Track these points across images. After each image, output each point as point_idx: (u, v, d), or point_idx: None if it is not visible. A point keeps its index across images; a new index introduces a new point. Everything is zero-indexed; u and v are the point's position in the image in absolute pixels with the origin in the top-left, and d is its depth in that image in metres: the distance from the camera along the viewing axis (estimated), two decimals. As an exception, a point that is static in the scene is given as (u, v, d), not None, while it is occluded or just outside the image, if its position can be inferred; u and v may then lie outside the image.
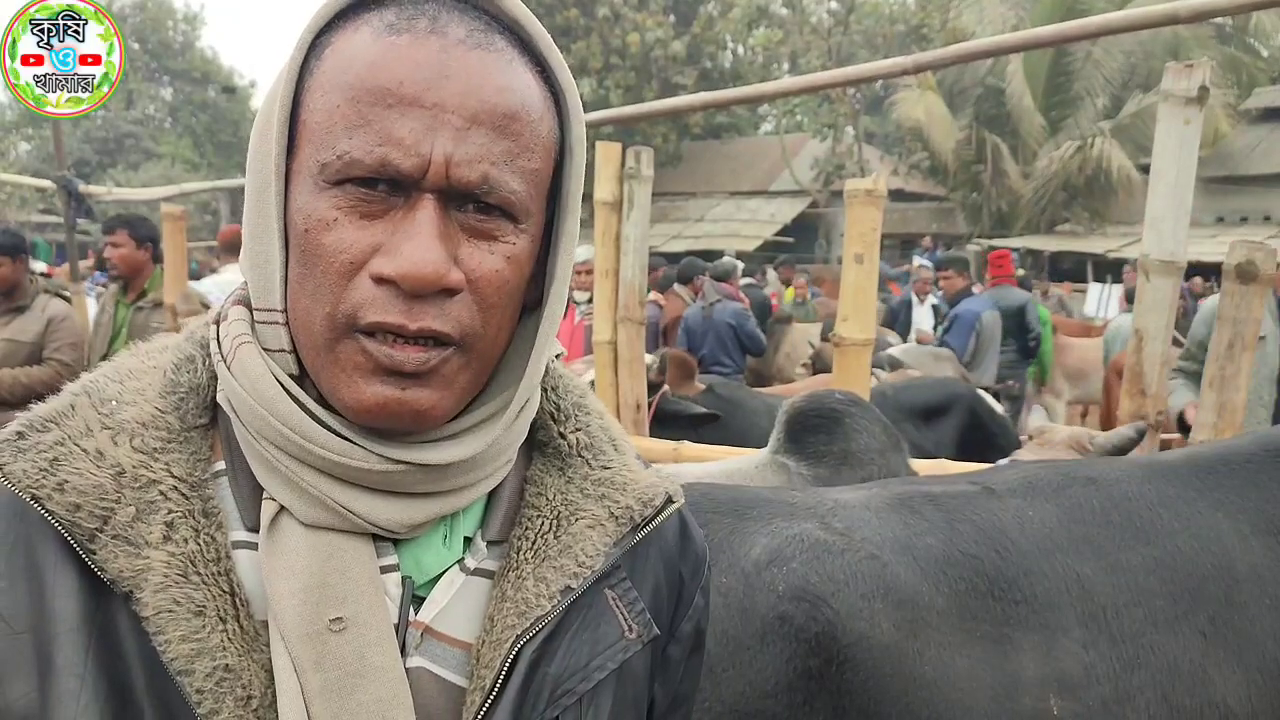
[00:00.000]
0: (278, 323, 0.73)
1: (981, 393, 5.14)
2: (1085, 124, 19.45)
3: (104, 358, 4.73)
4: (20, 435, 0.72)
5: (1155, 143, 2.90)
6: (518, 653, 0.74)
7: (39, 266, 12.33)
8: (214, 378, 0.77)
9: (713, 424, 4.29)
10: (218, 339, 0.76)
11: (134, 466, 0.71)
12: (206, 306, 4.45)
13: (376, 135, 0.67)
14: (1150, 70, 19.11)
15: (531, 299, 0.78)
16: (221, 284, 5.79)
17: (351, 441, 0.71)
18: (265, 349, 0.74)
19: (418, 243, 0.67)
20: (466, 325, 0.70)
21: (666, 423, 4.15)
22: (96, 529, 0.69)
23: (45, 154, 30.39)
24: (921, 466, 2.77)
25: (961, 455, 3.88)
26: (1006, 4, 20.24)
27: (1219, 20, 17.58)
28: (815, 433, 2.48)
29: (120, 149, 36.09)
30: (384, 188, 0.68)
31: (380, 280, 0.68)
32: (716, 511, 1.68)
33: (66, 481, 0.69)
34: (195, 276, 8.21)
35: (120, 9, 39.21)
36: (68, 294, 5.02)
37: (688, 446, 3.45)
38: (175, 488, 0.71)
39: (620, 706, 0.79)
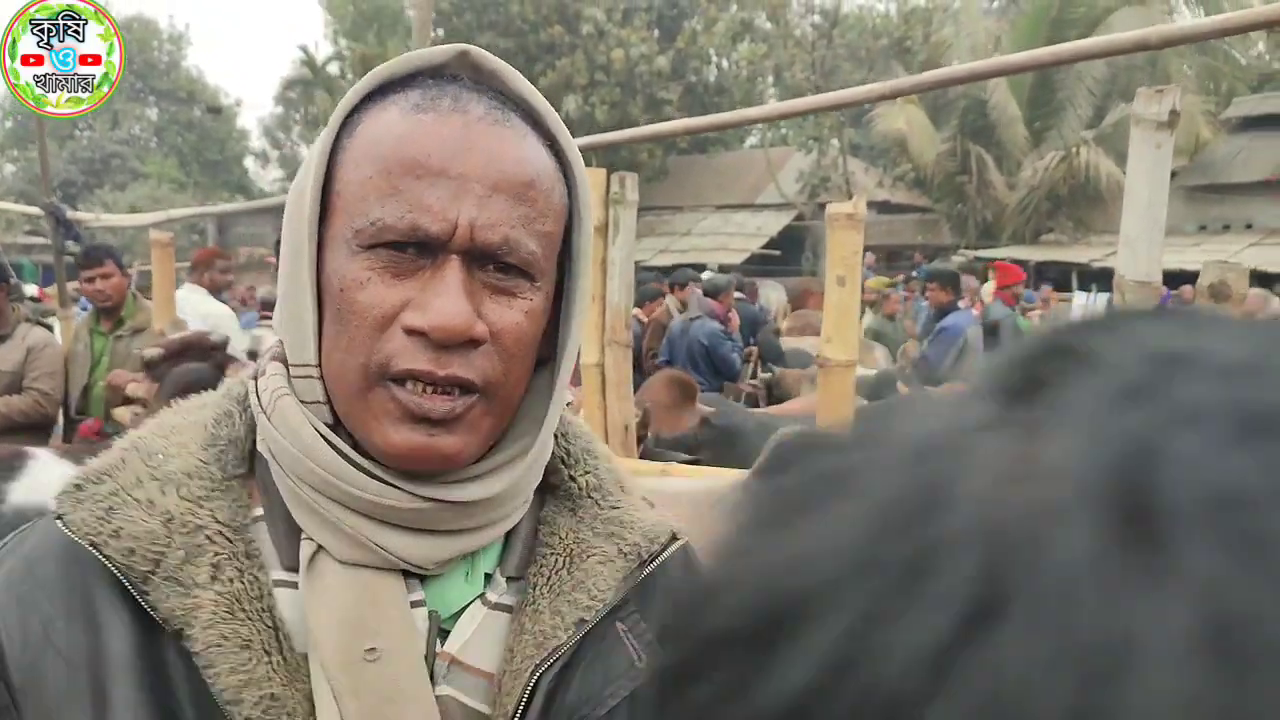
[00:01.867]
0: (312, 377, 0.80)
1: None
2: (1069, 134, 19.62)
3: (86, 387, 4.75)
4: (78, 487, 0.79)
5: (1129, 165, 2.96)
6: (536, 682, 0.80)
7: (30, 289, 12.31)
8: (251, 430, 0.83)
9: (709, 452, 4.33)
10: (257, 393, 0.83)
11: (181, 513, 0.78)
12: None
13: (407, 203, 0.74)
14: (1130, 80, 19.30)
15: (545, 352, 0.85)
16: (176, 303, 5.75)
17: (385, 482, 0.77)
18: (301, 401, 0.80)
19: (447, 299, 0.74)
20: (489, 374, 0.77)
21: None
22: (149, 571, 0.75)
23: (31, 175, 30.32)
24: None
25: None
26: (989, 18, 20.42)
27: (1197, 31, 17.73)
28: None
29: (106, 169, 36.04)
30: (413, 251, 0.75)
31: (411, 332, 0.75)
32: None
33: (121, 529, 0.76)
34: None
35: (105, 29, 39.18)
36: (49, 322, 5.01)
37: (675, 469, 3.49)
38: (220, 532, 0.78)
39: None
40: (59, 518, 0.78)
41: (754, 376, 7.91)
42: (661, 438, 4.61)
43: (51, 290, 9.26)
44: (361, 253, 0.76)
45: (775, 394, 7.37)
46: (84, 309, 7.49)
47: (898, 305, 9.37)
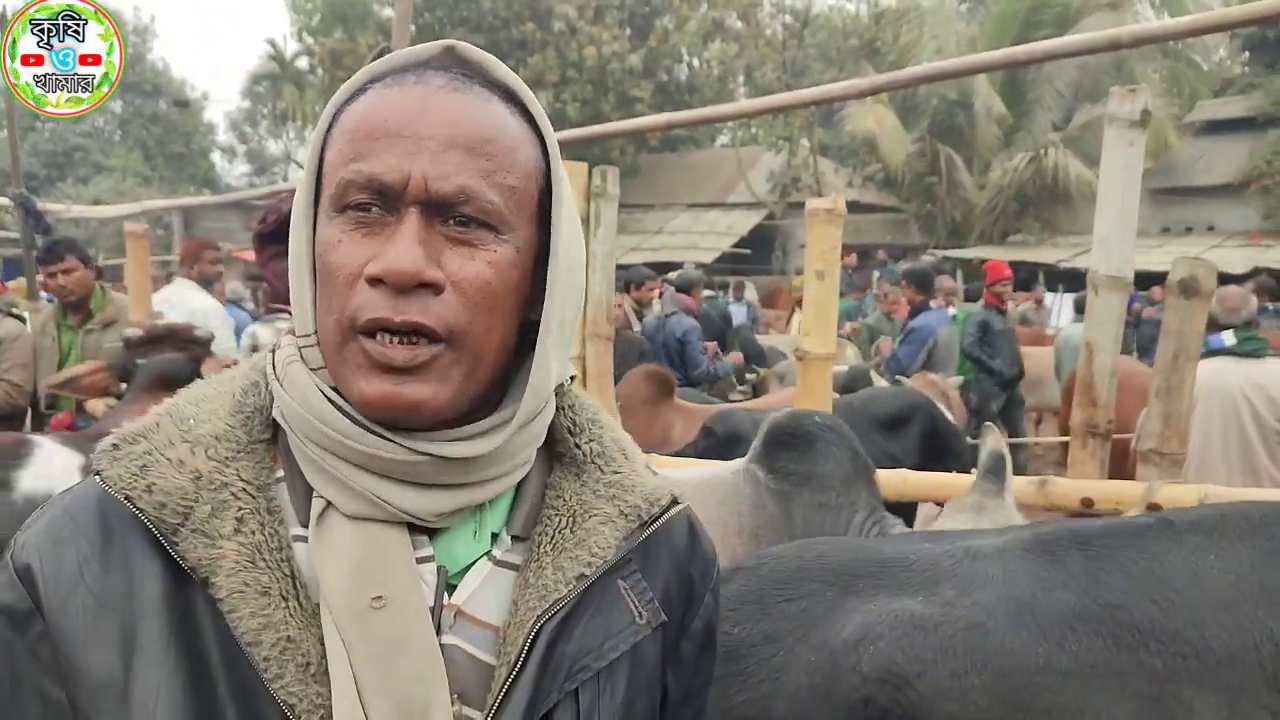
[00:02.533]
0: (312, 345, 0.86)
1: (934, 402, 5.27)
2: (1039, 135, 19.84)
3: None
4: (115, 447, 0.85)
5: (1102, 164, 3.03)
6: (538, 632, 0.85)
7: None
8: (274, 399, 0.89)
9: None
10: (274, 364, 0.90)
11: (209, 472, 0.83)
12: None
13: (366, 161, 0.80)
14: (1097, 83, 19.55)
15: (539, 316, 0.88)
16: (167, 299, 5.70)
17: (382, 436, 0.82)
18: (309, 369, 0.87)
19: (399, 244, 0.79)
20: (451, 322, 0.80)
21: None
22: (179, 524, 0.81)
23: (-7, 168, 29.88)
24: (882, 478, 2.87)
25: (923, 463, 3.98)
26: (960, 20, 20.61)
27: (1162, 35, 17.98)
28: (788, 449, 2.59)
29: (70, 162, 35.54)
30: (377, 209, 0.80)
31: (372, 281, 0.79)
32: (823, 580, 1.63)
33: (154, 484, 0.82)
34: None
35: (69, 21, 38.60)
36: (21, 313, 4.96)
37: (657, 459, 3.53)
38: (244, 489, 0.84)
39: (634, 687, 0.90)
40: (97, 473, 0.83)
41: (741, 383, 7.95)
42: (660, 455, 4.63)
43: (13, 284, 9.15)
44: (336, 217, 0.82)
45: (760, 396, 7.43)
46: (49, 301, 7.42)
47: (897, 303, 9.34)
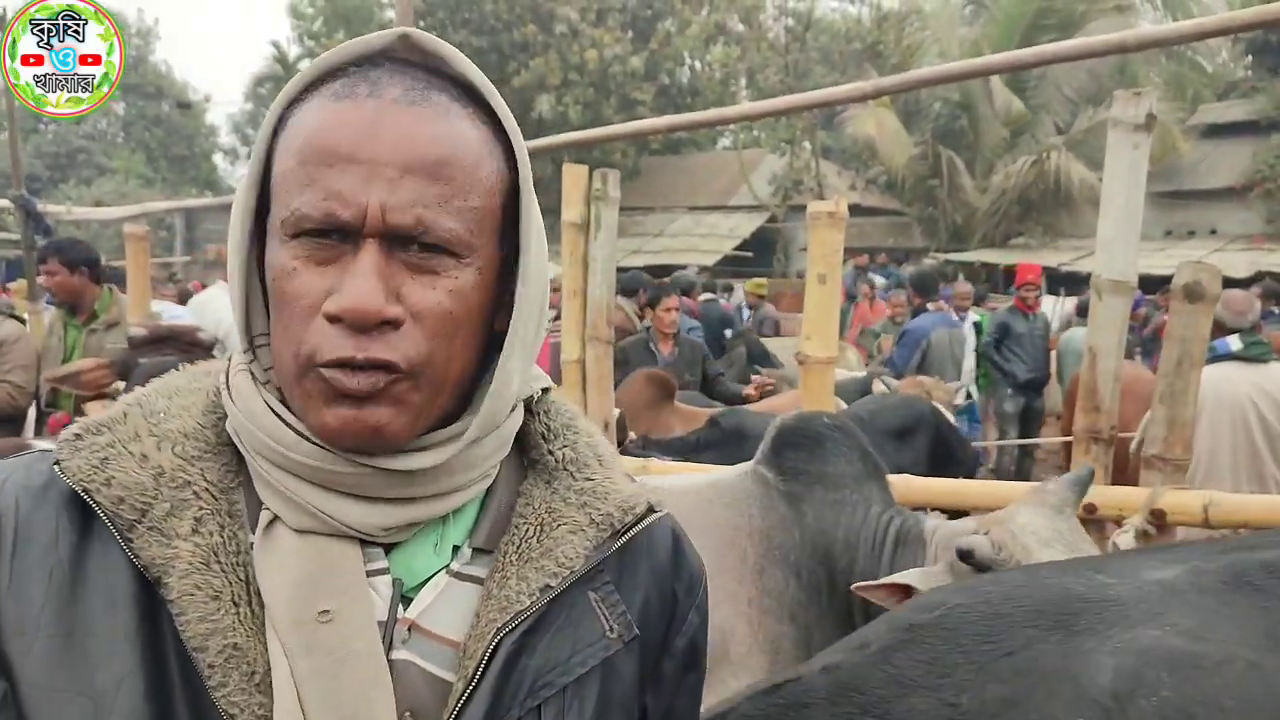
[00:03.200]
0: (249, 361, 0.85)
1: (939, 408, 5.25)
2: (1042, 139, 19.83)
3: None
4: (78, 436, 0.83)
5: (1105, 167, 3.00)
6: (497, 645, 0.81)
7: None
8: None
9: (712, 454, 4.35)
10: (227, 374, 0.87)
11: (173, 469, 0.82)
12: None
13: (321, 191, 0.76)
14: (1100, 87, 19.52)
15: (503, 326, 0.85)
16: (204, 302, 5.71)
17: (323, 448, 0.80)
18: (254, 380, 0.85)
19: (358, 281, 0.76)
20: (412, 356, 0.78)
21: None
22: (135, 520, 0.79)
23: (-5, 169, 29.90)
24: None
25: (930, 472, 3.96)
26: (963, 24, 20.59)
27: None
28: (797, 450, 2.55)
29: (72, 164, 35.53)
30: (335, 237, 0.77)
31: (331, 318, 0.76)
32: (1034, 624, 1.38)
33: (113, 478, 0.80)
34: (184, 299, 8.12)
35: (72, 23, 38.63)
36: (21, 315, 4.96)
37: (654, 463, 3.51)
38: (207, 490, 0.82)
39: (606, 704, 0.85)
40: (57, 463, 0.82)
41: (744, 375, 7.94)
42: (652, 439, 4.61)
43: (15, 285, 9.14)
44: (289, 242, 0.78)
45: (765, 394, 7.43)
46: (49, 304, 7.42)
47: (903, 308, 9.31)
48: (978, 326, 8.73)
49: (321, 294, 0.77)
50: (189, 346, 3.95)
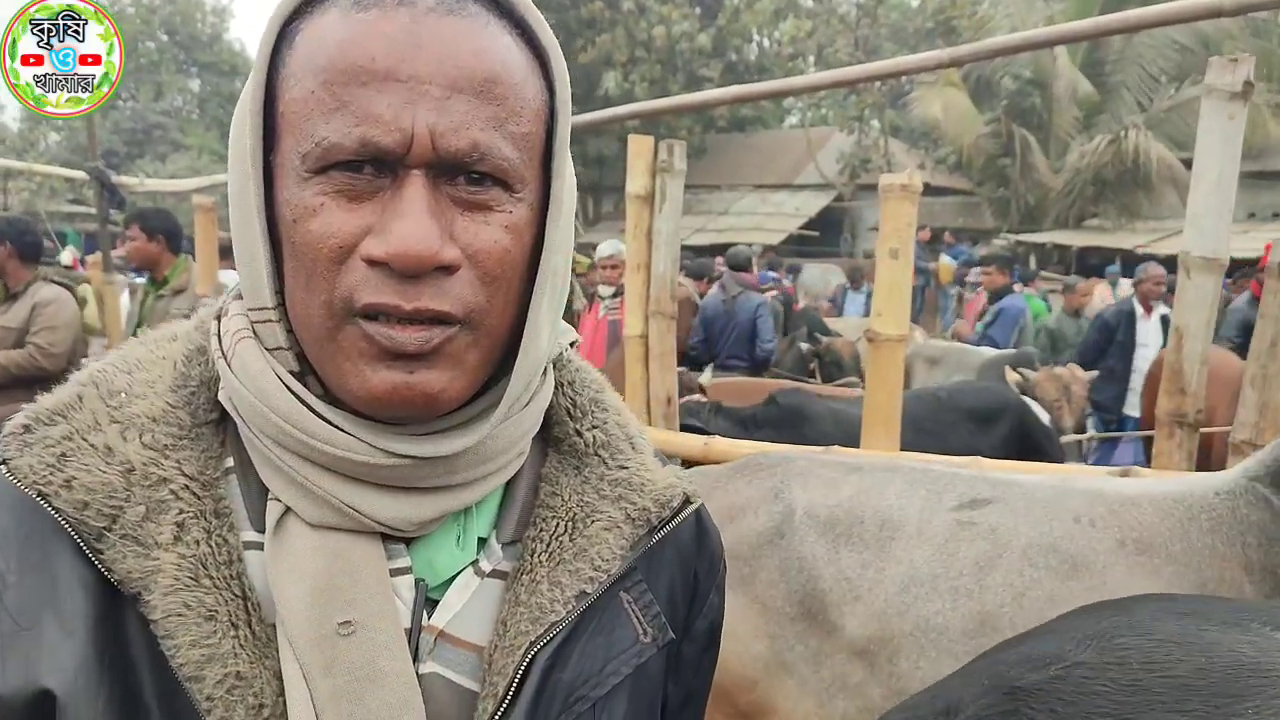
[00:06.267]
0: (271, 320, 0.71)
1: (1030, 402, 5.06)
2: (1120, 116, 19.27)
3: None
4: (26, 429, 0.71)
5: (1198, 138, 2.86)
6: (531, 659, 0.73)
7: (65, 257, 12.40)
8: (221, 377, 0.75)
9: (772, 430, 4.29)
10: (219, 335, 0.75)
11: (144, 464, 0.69)
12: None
13: (354, 116, 0.65)
14: (1182, 64, 18.89)
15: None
16: None
17: (354, 436, 0.69)
18: (264, 348, 0.72)
19: (408, 221, 0.65)
20: (470, 302, 0.68)
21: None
22: (105, 528, 0.67)
23: (74, 144, 30.63)
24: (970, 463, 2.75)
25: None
26: (1036, -2, 20.07)
27: (1257, 14, 17.36)
28: None
29: (149, 140, 36.31)
30: (369, 170, 0.66)
31: (372, 262, 0.65)
32: (1183, 708, 1.00)
33: (74, 478, 0.68)
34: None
35: (150, 1, 39.43)
36: (66, 281, 5.07)
37: (718, 441, 3.44)
38: (187, 486, 0.70)
39: (635, 711, 0.78)
40: (3, 462, 0.69)
41: (804, 355, 7.86)
42: (724, 407, 4.56)
43: (92, 258, 9.33)
44: (312, 178, 0.66)
45: (826, 361, 7.33)
46: (134, 274, 7.58)
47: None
48: (1165, 321, 7.47)
49: (356, 233, 0.66)
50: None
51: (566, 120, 0.73)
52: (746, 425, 4.36)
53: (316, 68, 0.66)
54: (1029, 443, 4.51)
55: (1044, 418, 4.98)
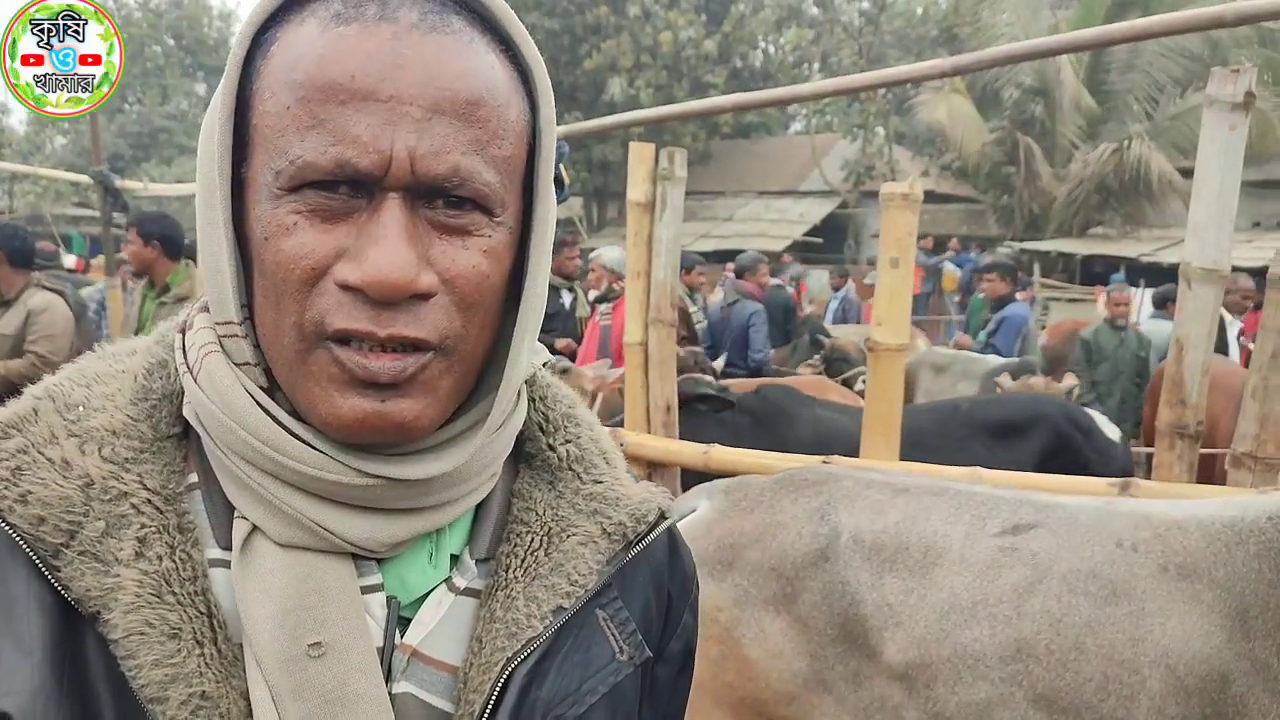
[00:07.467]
0: (237, 335, 0.70)
1: (1094, 413, 4.69)
2: (1125, 126, 19.26)
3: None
4: None
5: (1199, 148, 2.85)
6: (508, 676, 0.71)
7: (69, 261, 12.44)
8: (185, 390, 0.73)
9: (729, 412, 4.27)
10: (184, 348, 0.73)
11: (103, 478, 0.67)
12: None
13: (331, 135, 0.63)
14: (1186, 73, 18.88)
15: (515, 294, 0.74)
16: None
17: (327, 455, 0.68)
18: (233, 362, 0.71)
19: (384, 247, 0.63)
20: (445, 329, 0.66)
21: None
22: (62, 544, 0.65)
23: (80, 148, 30.68)
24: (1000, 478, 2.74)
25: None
26: (1043, 4, 20.06)
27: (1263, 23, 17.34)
28: None
29: (154, 144, 36.38)
30: (345, 190, 0.64)
31: (345, 288, 0.64)
32: None
33: (30, 493, 0.65)
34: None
35: (157, 5, 39.58)
36: (58, 286, 5.05)
37: (718, 450, 3.43)
38: (148, 500, 0.67)
39: None
40: None
41: (809, 357, 7.85)
42: (699, 380, 4.53)
43: (96, 261, 9.36)
44: (285, 196, 0.64)
45: (834, 360, 7.31)
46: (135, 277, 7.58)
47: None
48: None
49: (329, 255, 0.64)
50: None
51: (551, 138, 0.72)
52: (723, 404, 4.34)
53: (293, 82, 0.64)
54: (1073, 458, 4.16)
55: (1110, 431, 4.52)
